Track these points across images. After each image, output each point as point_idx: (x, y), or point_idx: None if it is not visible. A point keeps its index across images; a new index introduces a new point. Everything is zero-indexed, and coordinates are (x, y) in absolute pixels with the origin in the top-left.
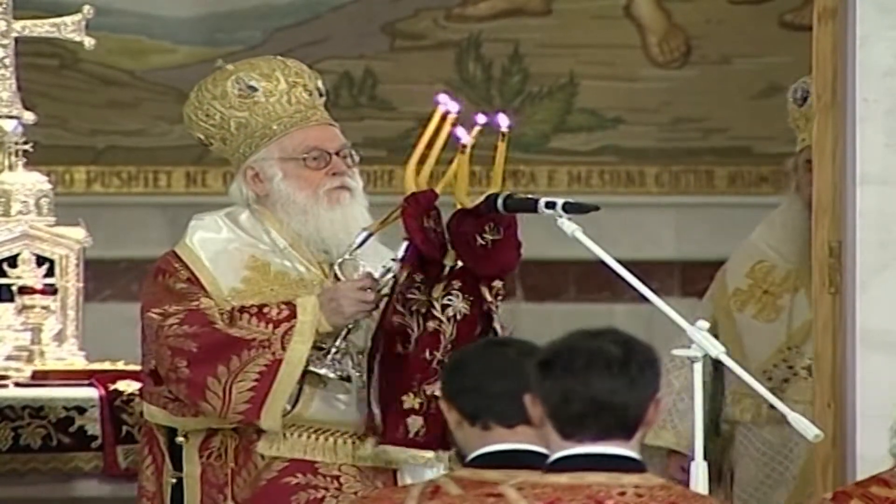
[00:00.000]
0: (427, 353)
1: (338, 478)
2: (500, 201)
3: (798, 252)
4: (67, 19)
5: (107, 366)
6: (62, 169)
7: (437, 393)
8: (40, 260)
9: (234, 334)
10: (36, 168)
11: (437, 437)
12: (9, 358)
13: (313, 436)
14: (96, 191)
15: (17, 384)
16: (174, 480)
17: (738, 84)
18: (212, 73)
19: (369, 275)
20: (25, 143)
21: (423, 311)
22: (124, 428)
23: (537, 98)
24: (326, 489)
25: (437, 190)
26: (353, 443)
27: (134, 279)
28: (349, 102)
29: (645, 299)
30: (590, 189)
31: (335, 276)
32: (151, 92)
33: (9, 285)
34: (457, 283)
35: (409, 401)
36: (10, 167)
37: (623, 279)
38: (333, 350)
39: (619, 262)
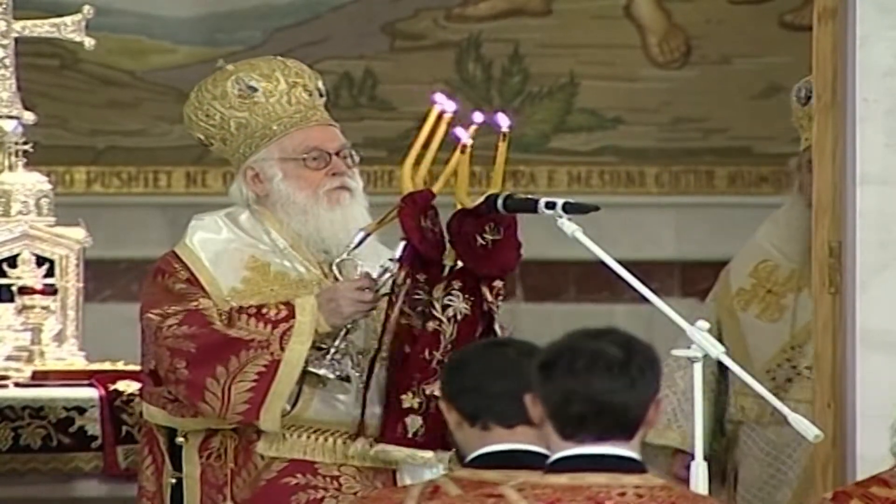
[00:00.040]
0: (427, 353)
1: (337, 478)
2: (500, 202)
3: (801, 252)
4: (67, 19)
5: (107, 366)
6: (62, 169)
7: (437, 393)
8: (40, 260)
9: (232, 335)
10: (36, 168)
11: (437, 438)
12: (9, 358)
13: (313, 436)
14: (96, 191)
15: (17, 384)
16: (174, 481)
17: (738, 84)
18: (212, 73)
19: (367, 275)
20: (25, 143)
21: (427, 310)
22: (124, 428)
23: (537, 98)
24: (326, 489)
25: (435, 189)
26: (362, 445)
27: (134, 279)
28: (349, 103)
29: (645, 300)
30: (590, 189)
31: (336, 276)
32: (151, 92)
33: (9, 285)
34: (457, 284)
35: (409, 400)
36: (10, 167)
37: (623, 279)
38: (333, 350)
39: (619, 262)
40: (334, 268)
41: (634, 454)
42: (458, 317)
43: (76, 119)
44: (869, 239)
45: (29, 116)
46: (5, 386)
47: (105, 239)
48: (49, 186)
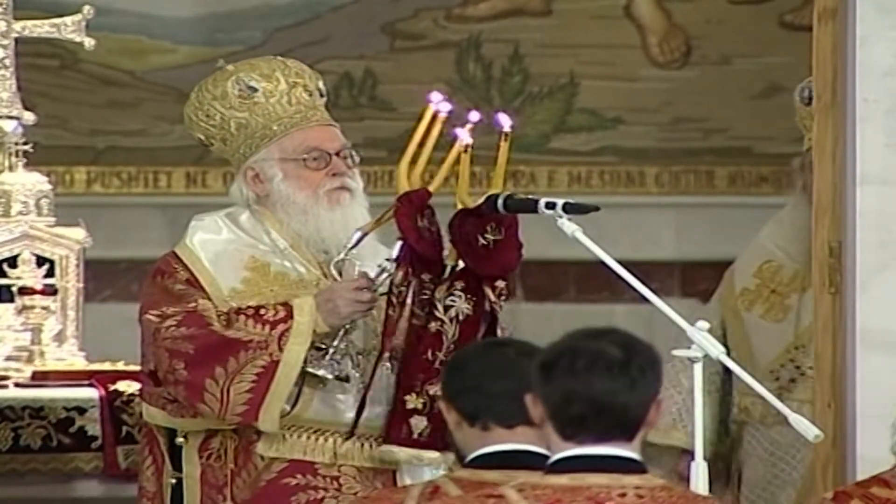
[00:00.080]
0: (430, 354)
1: (337, 478)
2: (500, 202)
3: (805, 252)
4: (67, 19)
5: (107, 366)
6: (62, 169)
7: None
8: (40, 260)
9: (230, 336)
10: (36, 168)
11: (442, 438)
12: (9, 358)
13: (313, 436)
14: (96, 191)
15: (17, 384)
16: (174, 481)
17: (738, 84)
18: (212, 73)
19: (365, 275)
20: (25, 143)
21: (429, 309)
22: (124, 428)
23: (537, 98)
24: (326, 490)
25: (431, 189)
26: (353, 444)
27: (134, 279)
28: (349, 103)
29: (645, 300)
30: (590, 189)
31: (338, 275)
32: (151, 92)
33: (9, 286)
34: (459, 284)
35: (413, 401)
36: (10, 167)
37: (623, 279)
38: (332, 351)
39: (619, 262)
40: (332, 268)
41: (635, 455)
42: (461, 317)
43: (76, 119)
44: (869, 239)
45: (29, 116)
46: (5, 386)
47: (105, 239)
48: (49, 186)
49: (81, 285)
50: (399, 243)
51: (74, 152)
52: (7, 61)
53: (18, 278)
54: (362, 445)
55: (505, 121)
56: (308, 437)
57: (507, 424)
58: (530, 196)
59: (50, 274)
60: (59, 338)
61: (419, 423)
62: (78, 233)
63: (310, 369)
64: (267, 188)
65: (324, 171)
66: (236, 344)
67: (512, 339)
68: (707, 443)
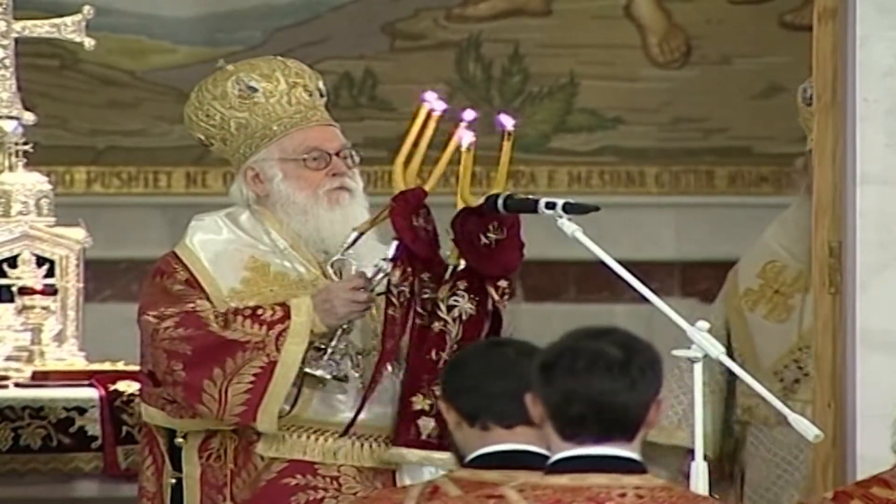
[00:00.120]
0: (434, 354)
1: (337, 478)
2: (500, 202)
3: (809, 252)
4: (67, 19)
5: (107, 366)
6: (62, 169)
7: None
8: (40, 260)
9: (228, 337)
10: (36, 168)
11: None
12: (9, 358)
13: (312, 436)
14: (96, 191)
15: (17, 384)
16: (174, 481)
17: (738, 84)
18: (212, 73)
19: (362, 275)
20: (25, 143)
21: (431, 309)
22: (124, 428)
23: (537, 98)
24: (326, 490)
25: (427, 188)
26: (353, 444)
27: (134, 279)
28: (349, 103)
29: (645, 299)
30: (590, 189)
31: (334, 275)
32: (151, 92)
33: (9, 286)
34: (462, 284)
35: (419, 402)
36: (10, 167)
37: (623, 279)
38: (329, 351)
39: (619, 262)
40: (328, 267)
41: (635, 455)
42: (464, 317)
43: (76, 119)
44: (869, 239)
45: (29, 116)
46: (5, 386)
47: (105, 239)
48: (49, 186)
49: (81, 285)
50: (395, 243)
51: (74, 152)
52: (7, 61)
53: (18, 278)
54: (361, 445)
55: (507, 121)
56: (308, 437)
57: (506, 424)
58: (530, 196)
59: (50, 274)
60: (59, 338)
61: (427, 424)
62: (78, 233)
63: (308, 370)
64: (267, 188)
65: (324, 172)
66: (234, 345)
67: (512, 339)
68: (712, 443)
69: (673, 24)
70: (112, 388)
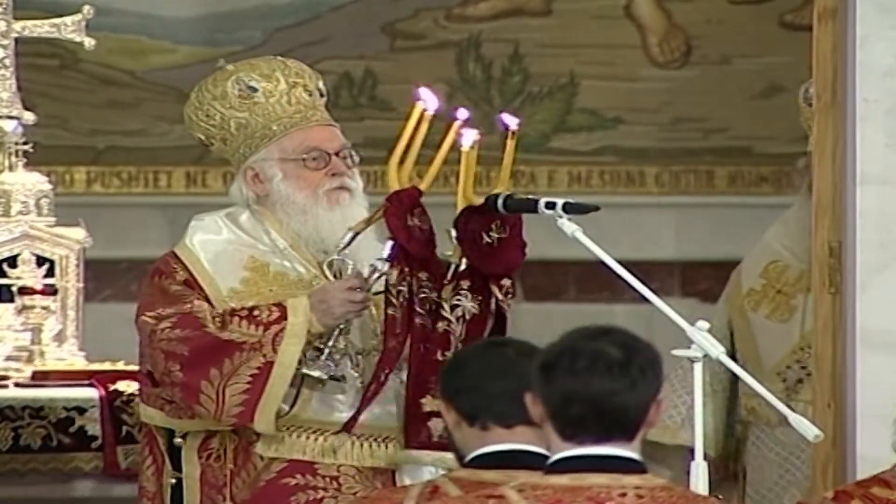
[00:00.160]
0: (439, 355)
1: (337, 478)
2: (500, 202)
3: (811, 252)
4: (67, 19)
5: (107, 366)
6: (62, 169)
7: None
8: (40, 260)
9: (224, 338)
10: (36, 168)
11: None
12: (9, 358)
13: (312, 436)
14: (96, 191)
15: (17, 384)
16: (174, 481)
17: (738, 84)
18: (212, 73)
19: (358, 274)
20: (25, 143)
21: (434, 308)
22: (124, 428)
23: (537, 98)
24: (325, 490)
25: (423, 187)
26: (352, 443)
27: (134, 279)
28: (349, 102)
29: (645, 299)
30: (590, 189)
31: (335, 275)
32: (151, 92)
33: (9, 285)
34: (465, 283)
35: (429, 404)
36: (10, 167)
37: (623, 279)
38: (327, 351)
39: (619, 262)
40: (324, 267)
41: (635, 455)
42: (467, 316)
43: (76, 119)
44: (869, 239)
45: (29, 116)
46: (5, 386)
47: (105, 239)
48: (49, 186)
49: (81, 285)
50: (390, 243)
51: (74, 152)
52: (7, 61)
53: (18, 278)
54: (361, 445)
55: (511, 120)
56: (307, 437)
57: (506, 424)
58: (530, 196)
59: (50, 274)
60: (59, 338)
61: (438, 426)
62: (78, 233)
63: (305, 370)
64: (266, 188)
65: (323, 171)
66: (230, 345)
67: (511, 339)
68: (715, 443)
69: (673, 24)
70: (112, 387)
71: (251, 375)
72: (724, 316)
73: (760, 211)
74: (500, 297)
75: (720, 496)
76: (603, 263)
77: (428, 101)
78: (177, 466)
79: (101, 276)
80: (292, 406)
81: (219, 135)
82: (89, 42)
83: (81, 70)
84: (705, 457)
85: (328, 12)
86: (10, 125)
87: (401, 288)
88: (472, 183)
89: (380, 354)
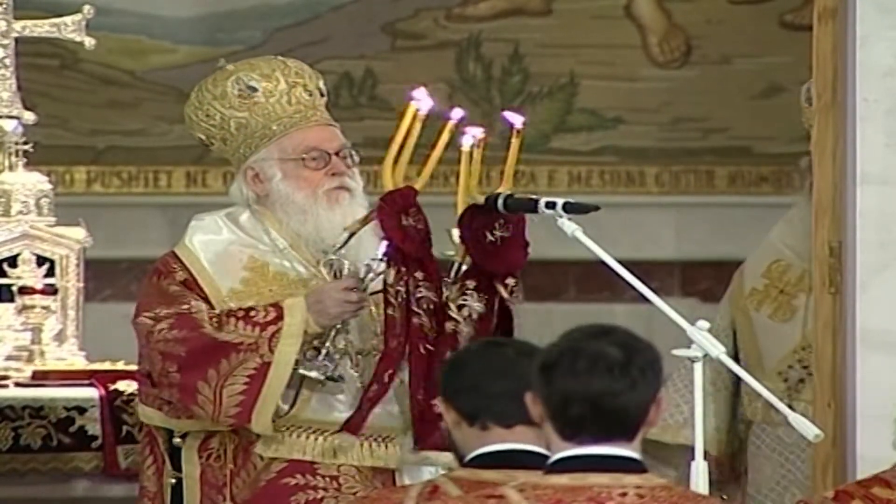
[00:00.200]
0: (448, 355)
1: (336, 478)
2: (500, 201)
3: None
4: (67, 19)
5: (107, 366)
6: (62, 169)
7: None
8: (40, 260)
9: (221, 338)
10: (36, 168)
11: None
12: (9, 358)
13: (312, 436)
14: (96, 191)
15: (18, 384)
16: (174, 481)
17: (738, 84)
18: (212, 73)
19: (354, 275)
20: (25, 143)
21: (433, 308)
22: (124, 428)
23: (537, 98)
24: (325, 489)
25: (417, 186)
26: (350, 442)
27: (134, 279)
28: (349, 102)
29: (645, 299)
30: (590, 189)
31: (335, 275)
32: (151, 92)
33: (9, 285)
34: (471, 283)
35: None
36: (11, 167)
37: (623, 279)
38: (324, 351)
39: (619, 262)
40: (321, 268)
41: (635, 454)
42: (474, 316)
43: (76, 119)
44: (869, 239)
45: (29, 116)
46: (5, 386)
47: (105, 239)
48: (49, 186)
49: (81, 285)
50: (384, 243)
51: (74, 152)
52: (7, 61)
53: (18, 278)
54: (361, 445)
55: (516, 118)
56: (307, 437)
57: (505, 424)
58: (530, 196)
59: (50, 274)
60: (59, 337)
61: None
62: (78, 232)
63: (301, 370)
64: (266, 188)
65: (323, 171)
66: (227, 346)
67: (512, 338)
68: (718, 442)
69: (673, 24)
70: (112, 387)
71: (248, 376)
72: (728, 315)
73: (760, 211)
74: (505, 296)
75: (725, 496)
76: (603, 263)
77: (421, 101)
78: (177, 466)
79: (101, 276)
80: (292, 406)
81: (219, 135)
82: (89, 42)
83: (81, 70)
84: (708, 456)
85: (328, 12)
86: (10, 125)
87: (399, 288)
88: (476, 181)
89: (381, 355)
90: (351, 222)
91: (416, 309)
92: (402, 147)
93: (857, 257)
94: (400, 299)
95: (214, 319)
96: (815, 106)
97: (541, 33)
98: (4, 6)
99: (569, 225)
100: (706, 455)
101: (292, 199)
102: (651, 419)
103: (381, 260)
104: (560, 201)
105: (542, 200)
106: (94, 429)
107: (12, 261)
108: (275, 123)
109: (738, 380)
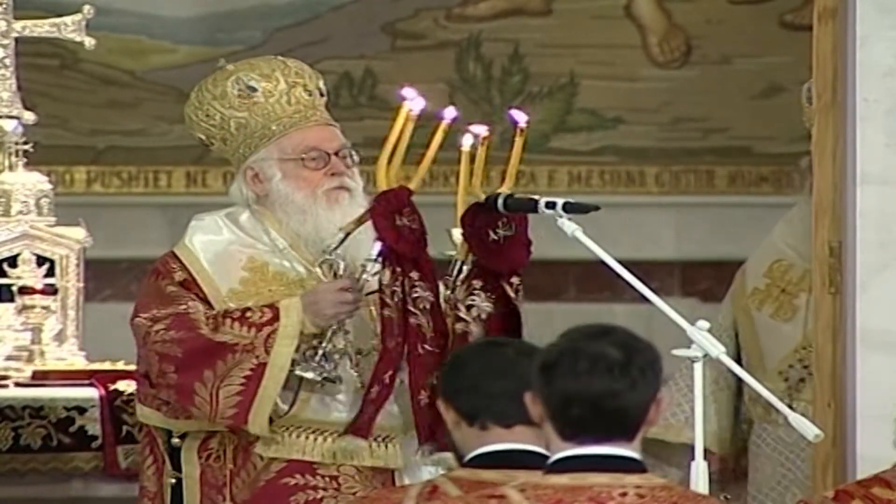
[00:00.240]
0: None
1: (336, 478)
2: (500, 201)
3: None
4: (67, 19)
5: (107, 366)
6: (62, 169)
7: None
8: (40, 260)
9: (217, 339)
10: (36, 168)
11: None
12: (9, 358)
13: (311, 436)
14: (96, 191)
15: (18, 384)
16: (173, 481)
17: (738, 84)
18: (212, 73)
19: (350, 275)
20: (25, 143)
21: (430, 307)
22: (124, 428)
23: (537, 98)
24: (325, 489)
25: (412, 186)
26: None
27: (134, 279)
28: (349, 102)
29: (645, 299)
30: (590, 189)
31: (335, 275)
32: (151, 92)
33: (9, 285)
34: (478, 283)
35: None
36: (11, 167)
37: (623, 279)
38: (320, 352)
39: (619, 262)
40: (316, 268)
41: (635, 454)
42: (483, 316)
43: (76, 119)
44: (869, 239)
45: (29, 116)
46: (5, 386)
47: (105, 239)
48: (49, 186)
49: (81, 285)
50: (378, 243)
51: (74, 152)
52: (7, 61)
53: (18, 278)
54: (369, 445)
55: (520, 116)
56: (307, 438)
57: (505, 424)
58: (530, 196)
59: (50, 274)
60: (59, 337)
61: None
62: (78, 232)
63: (298, 371)
64: (266, 188)
65: (322, 171)
66: (223, 347)
67: (510, 338)
68: (721, 440)
69: (673, 24)
70: (112, 387)
71: (244, 377)
72: (729, 315)
73: (760, 211)
74: (512, 295)
75: (728, 496)
76: (603, 263)
77: (413, 101)
78: (177, 466)
79: (101, 276)
80: (291, 406)
81: (219, 135)
82: (89, 42)
83: (81, 70)
84: (712, 455)
85: (328, 12)
86: (10, 125)
87: (395, 288)
88: (480, 179)
89: (378, 356)
90: (347, 222)
91: (412, 309)
92: (395, 147)
93: (857, 257)
94: (396, 300)
95: (210, 320)
96: (815, 106)
97: (541, 33)
98: (4, 6)
99: (569, 225)
100: (710, 454)
101: (292, 199)
102: (651, 419)
103: (374, 260)
104: (560, 201)
105: (542, 200)
106: (94, 429)
107: (12, 261)
108: (274, 123)
109: (740, 379)
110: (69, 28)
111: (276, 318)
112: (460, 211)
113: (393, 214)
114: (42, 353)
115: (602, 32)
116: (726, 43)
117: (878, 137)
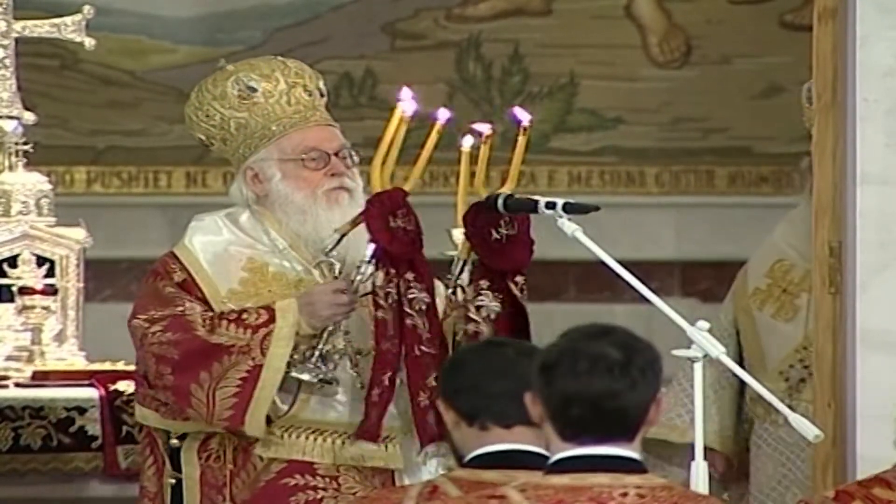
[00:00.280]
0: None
1: (336, 478)
2: (500, 201)
3: None
4: (67, 19)
5: (107, 366)
6: (62, 169)
7: None
8: (40, 260)
9: (213, 341)
10: (36, 168)
11: None
12: (9, 358)
13: (311, 437)
14: (96, 191)
15: (18, 384)
16: (173, 481)
17: (738, 84)
18: (212, 73)
19: (345, 276)
20: (25, 143)
21: (426, 308)
22: (124, 428)
23: (537, 98)
24: (325, 490)
25: (406, 188)
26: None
27: (134, 279)
28: (349, 102)
29: (645, 299)
30: (590, 189)
31: (319, 276)
32: (151, 92)
33: (9, 285)
34: (484, 283)
35: None
36: (11, 167)
37: (623, 279)
38: (317, 353)
39: (619, 262)
40: (313, 269)
41: (635, 454)
42: (492, 316)
43: (76, 119)
44: (869, 239)
45: (29, 116)
46: (5, 386)
47: (105, 239)
48: (49, 186)
49: (81, 285)
50: (372, 245)
51: (74, 152)
52: (7, 61)
53: (18, 278)
54: (378, 446)
55: (523, 115)
56: (307, 438)
57: (505, 424)
58: (530, 196)
59: (50, 274)
60: (60, 338)
61: None
62: (78, 233)
63: (294, 373)
64: (266, 188)
65: (322, 172)
66: (219, 349)
67: (510, 338)
68: (723, 439)
69: (673, 24)
70: (112, 387)
71: (240, 379)
72: (731, 314)
73: (760, 211)
74: (517, 294)
75: (727, 496)
76: (603, 263)
77: (406, 102)
78: (176, 467)
79: (101, 276)
80: (291, 407)
81: (219, 135)
82: (89, 42)
83: (81, 70)
84: (716, 454)
85: (328, 12)
86: (10, 125)
87: (389, 290)
88: (483, 178)
89: (374, 357)
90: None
91: (408, 310)
92: (388, 149)
93: (857, 257)
94: (390, 301)
95: (207, 322)
96: (815, 106)
97: (541, 33)
98: (4, 6)
99: (569, 225)
100: (714, 453)
101: (292, 200)
102: (651, 419)
103: (368, 262)
104: (560, 201)
105: (542, 201)
106: (94, 429)
107: (12, 261)
108: (274, 124)
109: (742, 379)
110: (69, 28)
111: (271, 319)
112: (461, 211)
113: (387, 216)
114: (42, 354)
115: (602, 32)
116: (726, 43)
117: (878, 137)
